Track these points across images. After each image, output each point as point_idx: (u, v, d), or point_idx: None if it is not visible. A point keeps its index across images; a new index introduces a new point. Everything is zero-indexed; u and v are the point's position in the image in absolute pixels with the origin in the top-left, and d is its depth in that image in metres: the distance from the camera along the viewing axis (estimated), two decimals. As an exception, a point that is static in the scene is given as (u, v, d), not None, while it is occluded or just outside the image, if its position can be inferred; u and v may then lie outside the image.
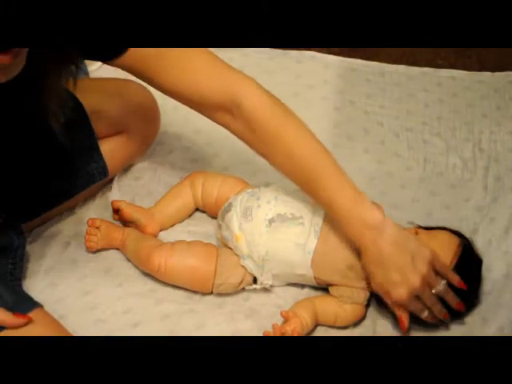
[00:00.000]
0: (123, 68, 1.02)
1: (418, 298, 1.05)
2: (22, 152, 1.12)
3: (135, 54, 0.99)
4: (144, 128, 1.30)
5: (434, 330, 1.12)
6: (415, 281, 1.02)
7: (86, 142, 1.21)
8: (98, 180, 1.24)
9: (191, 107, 1.08)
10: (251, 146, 1.09)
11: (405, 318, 1.06)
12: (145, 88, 1.29)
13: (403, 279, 1.02)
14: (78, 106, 1.20)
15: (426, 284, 1.04)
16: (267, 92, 1.08)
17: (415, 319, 1.12)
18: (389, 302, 1.07)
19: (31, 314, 1.00)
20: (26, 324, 0.98)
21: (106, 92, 1.21)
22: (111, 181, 1.33)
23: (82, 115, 1.21)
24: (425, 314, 1.07)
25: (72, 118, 1.17)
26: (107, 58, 1.00)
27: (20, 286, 1.11)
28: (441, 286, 1.06)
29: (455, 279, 1.06)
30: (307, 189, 1.09)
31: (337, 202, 1.05)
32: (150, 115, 1.30)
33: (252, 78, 1.08)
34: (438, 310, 1.07)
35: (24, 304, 1.02)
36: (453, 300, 1.07)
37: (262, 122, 1.05)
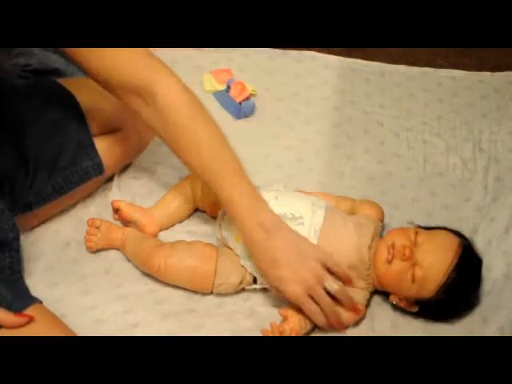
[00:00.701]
0: None
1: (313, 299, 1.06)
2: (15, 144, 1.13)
3: None
4: (141, 126, 1.30)
5: (434, 330, 1.13)
6: (307, 277, 1.05)
7: (80, 138, 1.22)
8: (93, 176, 1.24)
9: (105, 88, 1.10)
10: (160, 134, 1.11)
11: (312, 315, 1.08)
12: None
13: (295, 276, 1.05)
14: (74, 104, 1.21)
15: (318, 281, 1.06)
16: (185, 86, 1.09)
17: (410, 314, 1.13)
18: (286, 299, 1.08)
19: (30, 310, 1.00)
20: (26, 323, 0.97)
21: (102, 90, 1.21)
22: (111, 180, 1.33)
23: (78, 112, 1.21)
24: (320, 318, 1.07)
25: (67, 115, 1.20)
26: None
27: (21, 278, 1.11)
28: (335, 284, 1.07)
29: (347, 278, 1.09)
30: (210, 185, 1.10)
31: (236, 202, 1.07)
32: None
33: (172, 71, 1.09)
34: (331, 311, 1.07)
35: (23, 299, 1.02)
36: (347, 301, 1.08)
37: (176, 116, 1.07)
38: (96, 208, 1.30)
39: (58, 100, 1.21)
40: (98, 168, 1.24)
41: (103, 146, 1.25)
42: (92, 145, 1.23)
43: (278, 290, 1.08)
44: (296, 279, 1.05)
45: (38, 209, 1.21)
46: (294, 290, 1.06)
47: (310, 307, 1.06)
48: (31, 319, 0.98)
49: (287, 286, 1.06)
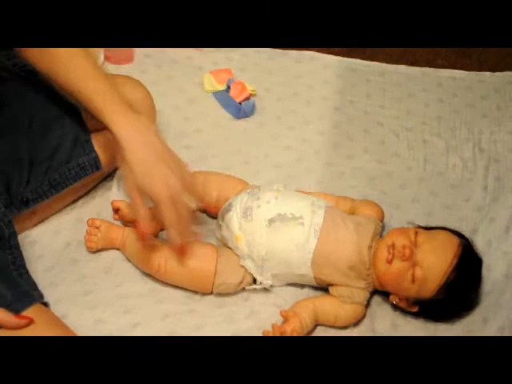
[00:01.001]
0: None
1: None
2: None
3: None
4: None
5: (434, 330, 1.13)
6: (176, 185, 1.08)
7: (77, 134, 1.22)
8: (90, 172, 1.24)
9: None
10: (35, 63, 1.12)
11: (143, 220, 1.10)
12: (141, 85, 1.30)
13: (165, 180, 1.07)
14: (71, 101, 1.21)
15: (181, 193, 1.08)
16: None
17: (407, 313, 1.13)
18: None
19: (30, 310, 0.99)
20: (26, 325, 0.97)
21: None
22: (111, 180, 1.33)
23: (75, 109, 1.22)
24: (175, 228, 1.09)
25: (65, 112, 1.21)
26: None
27: (26, 273, 1.10)
28: (193, 203, 1.11)
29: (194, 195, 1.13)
30: (82, 101, 1.12)
31: (107, 112, 1.09)
32: (144, 111, 1.30)
33: None
34: (187, 224, 1.11)
35: (22, 300, 1.02)
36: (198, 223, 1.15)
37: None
38: (96, 208, 1.30)
39: (55, 97, 1.21)
40: (95, 164, 1.24)
41: (100, 142, 1.25)
42: (89, 141, 1.23)
43: (145, 189, 1.09)
44: (166, 183, 1.07)
45: (35, 205, 1.21)
46: (162, 191, 1.07)
47: (171, 213, 1.08)
48: (31, 321, 0.98)
49: (157, 186, 1.07)
